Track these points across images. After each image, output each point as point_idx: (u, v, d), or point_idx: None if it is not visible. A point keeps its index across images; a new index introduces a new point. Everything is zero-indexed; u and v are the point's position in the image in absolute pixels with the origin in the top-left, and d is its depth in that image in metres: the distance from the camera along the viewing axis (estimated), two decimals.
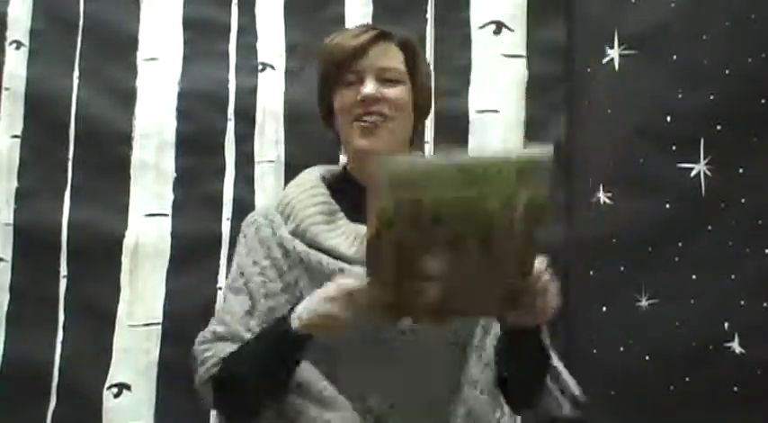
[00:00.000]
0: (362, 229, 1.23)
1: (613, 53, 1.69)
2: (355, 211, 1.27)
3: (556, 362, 1.24)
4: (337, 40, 1.27)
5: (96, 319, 1.73)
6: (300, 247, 1.23)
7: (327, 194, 1.29)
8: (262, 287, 1.24)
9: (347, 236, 1.24)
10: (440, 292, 0.96)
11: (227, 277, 1.68)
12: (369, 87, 1.22)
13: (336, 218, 1.26)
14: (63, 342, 1.74)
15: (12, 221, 1.79)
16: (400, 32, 1.30)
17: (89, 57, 1.83)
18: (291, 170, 1.66)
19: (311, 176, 1.33)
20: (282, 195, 1.33)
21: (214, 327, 1.25)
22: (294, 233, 1.25)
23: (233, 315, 1.23)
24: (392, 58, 1.26)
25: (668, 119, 1.65)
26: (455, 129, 1.75)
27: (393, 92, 1.24)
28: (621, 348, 1.60)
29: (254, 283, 1.25)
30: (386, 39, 1.26)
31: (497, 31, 1.76)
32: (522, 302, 1.02)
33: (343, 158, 1.44)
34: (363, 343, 1.19)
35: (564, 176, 1.72)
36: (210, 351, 1.20)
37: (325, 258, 1.21)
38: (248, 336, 1.20)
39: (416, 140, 1.39)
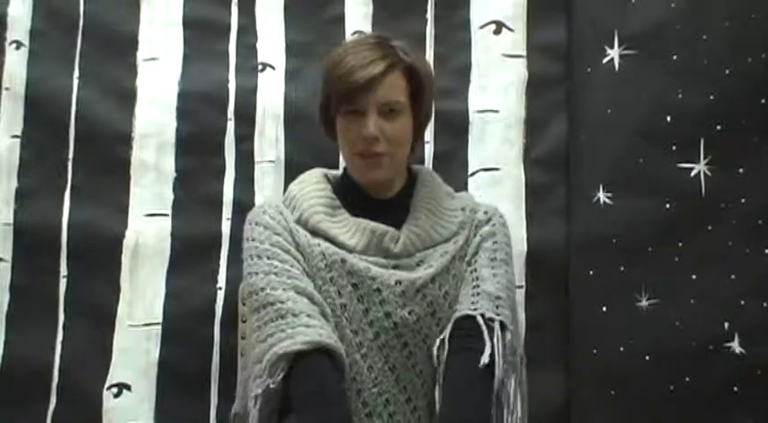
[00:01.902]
0: (364, 222, 1.26)
1: (613, 53, 1.69)
2: (356, 209, 1.29)
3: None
4: (345, 67, 1.25)
5: (96, 319, 1.73)
6: (304, 237, 1.26)
7: (330, 190, 1.32)
8: (302, 271, 1.25)
9: (348, 228, 1.27)
10: None
11: (227, 277, 1.71)
12: (370, 127, 1.24)
13: (338, 212, 1.29)
14: (63, 342, 1.74)
15: (12, 221, 1.79)
16: (407, 58, 1.29)
17: (89, 57, 1.83)
18: (291, 170, 1.66)
19: (315, 174, 1.38)
20: (287, 191, 1.36)
21: (289, 294, 1.20)
22: (298, 221, 1.28)
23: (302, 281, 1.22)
24: (396, 90, 1.27)
25: (668, 119, 1.65)
26: (455, 129, 1.75)
27: (393, 128, 1.27)
28: (621, 348, 1.60)
29: (299, 259, 1.26)
30: (393, 68, 1.26)
31: (497, 31, 1.76)
32: None
33: (342, 160, 1.45)
34: (359, 338, 1.20)
35: (564, 176, 1.72)
36: (309, 327, 1.16)
37: (327, 247, 1.23)
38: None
39: (417, 147, 1.39)
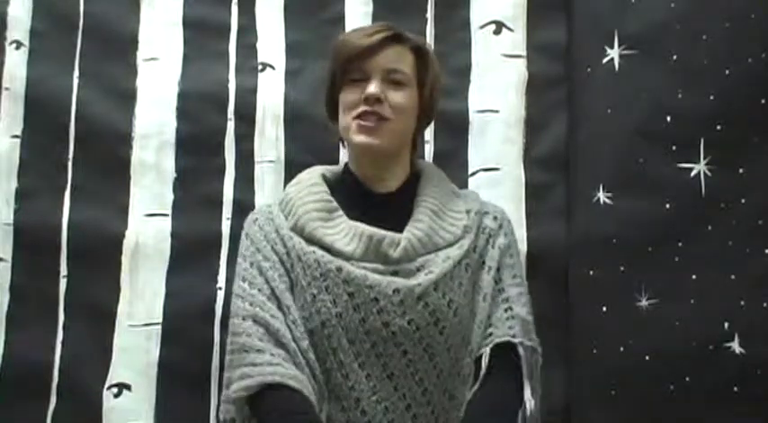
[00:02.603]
0: (361, 227, 1.24)
1: (613, 53, 1.69)
2: (355, 207, 1.28)
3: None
4: (350, 36, 1.29)
5: (96, 319, 1.73)
6: (299, 244, 1.25)
7: (327, 192, 1.30)
8: (280, 282, 1.24)
9: (345, 233, 1.25)
10: None
11: (227, 277, 1.71)
12: (373, 87, 1.24)
13: (335, 215, 1.27)
14: (63, 342, 1.74)
15: (12, 221, 1.79)
16: (416, 37, 1.31)
17: (89, 57, 1.83)
18: (291, 170, 1.66)
19: (312, 175, 1.36)
20: (284, 193, 1.35)
21: (248, 326, 1.22)
22: (293, 228, 1.27)
23: (268, 312, 1.23)
24: (402, 60, 1.28)
25: (668, 119, 1.65)
26: (455, 129, 1.75)
27: (397, 95, 1.26)
28: (621, 348, 1.60)
29: (273, 279, 1.25)
30: (399, 41, 1.28)
31: (497, 31, 1.76)
32: None
33: (343, 158, 1.45)
34: (356, 347, 1.19)
35: (564, 176, 1.72)
36: (256, 365, 1.18)
37: (322, 256, 1.22)
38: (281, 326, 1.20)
39: (419, 143, 1.39)
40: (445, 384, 1.23)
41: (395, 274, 1.22)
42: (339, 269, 1.20)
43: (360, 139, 1.27)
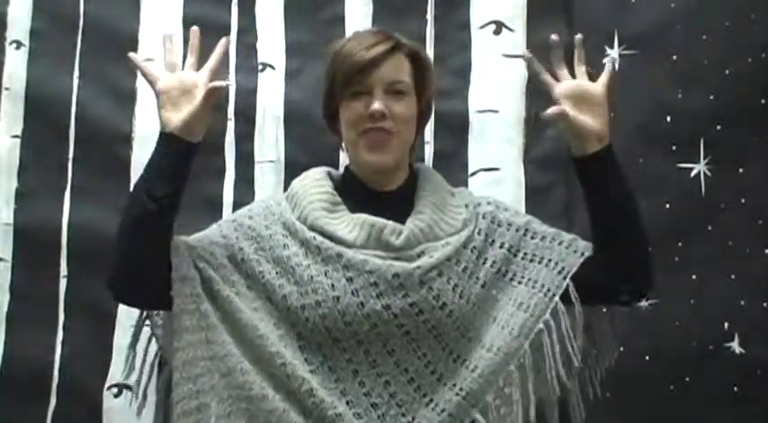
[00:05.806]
0: (363, 216, 1.25)
1: (613, 53, 1.69)
2: (358, 204, 1.29)
3: None
4: (349, 48, 1.28)
5: (96, 319, 1.73)
6: (302, 230, 1.25)
7: (331, 186, 1.32)
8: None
9: (347, 223, 1.26)
10: None
11: None
12: (377, 104, 1.25)
13: (338, 209, 1.29)
14: (63, 342, 1.74)
15: (12, 221, 1.79)
16: (410, 43, 1.32)
17: (89, 57, 1.83)
18: (291, 170, 1.66)
19: (317, 171, 1.38)
20: (290, 187, 1.37)
21: None
22: (298, 219, 1.28)
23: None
24: (401, 70, 1.29)
25: (668, 119, 1.65)
26: (455, 129, 1.75)
27: (400, 107, 1.27)
28: (621, 348, 1.60)
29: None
30: (396, 50, 1.28)
31: (497, 31, 1.76)
32: None
33: (343, 159, 1.45)
34: (354, 328, 1.19)
35: (564, 177, 1.72)
36: None
37: (322, 242, 1.24)
38: None
39: (416, 145, 1.40)
40: (452, 350, 1.24)
41: (395, 260, 1.23)
42: (339, 255, 1.22)
43: (370, 158, 1.28)
